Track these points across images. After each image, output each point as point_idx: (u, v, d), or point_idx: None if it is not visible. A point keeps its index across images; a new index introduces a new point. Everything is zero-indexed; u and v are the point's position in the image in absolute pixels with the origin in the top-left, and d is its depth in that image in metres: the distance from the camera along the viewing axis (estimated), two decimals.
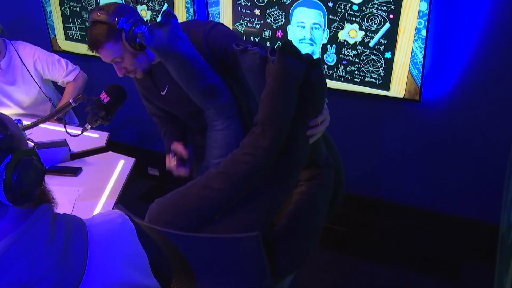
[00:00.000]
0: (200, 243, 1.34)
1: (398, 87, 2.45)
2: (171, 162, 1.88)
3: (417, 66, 2.35)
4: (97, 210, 1.76)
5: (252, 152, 1.32)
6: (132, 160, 2.10)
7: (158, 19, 1.60)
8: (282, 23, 2.58)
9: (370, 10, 2.35)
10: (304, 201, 1.48)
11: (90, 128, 1.83)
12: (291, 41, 1.44)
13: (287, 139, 1.34)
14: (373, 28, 2.39)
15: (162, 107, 1.93)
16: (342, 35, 2.49)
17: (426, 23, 2.24)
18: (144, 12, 2.99)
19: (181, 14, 2.86)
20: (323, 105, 1.41)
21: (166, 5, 2.90)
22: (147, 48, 1.65)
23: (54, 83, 2.82)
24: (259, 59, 1.39)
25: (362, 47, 2.46)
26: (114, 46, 1.64)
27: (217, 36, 1.70)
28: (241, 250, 1.33)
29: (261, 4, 2.59)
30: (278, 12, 2.56)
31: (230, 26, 2.68)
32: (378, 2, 2.31)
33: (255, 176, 1.34)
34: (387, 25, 2.34)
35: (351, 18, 2.42)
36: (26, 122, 2.12)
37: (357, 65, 2.51)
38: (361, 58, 2.48)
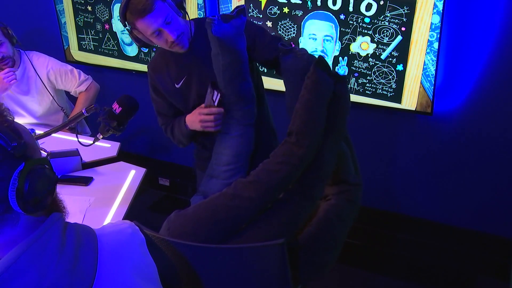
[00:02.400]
0: (221, 254, 1.33)
1: (410, 100, 2.44)
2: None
3: (429, 78, 2.34)
4: (108, 220, 1.76)
5: (286, 160, 1.35)
6: (143, 170, 2.11)
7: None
8: (294, 35, 2.59)
9: (382, 22, 2.35)
10: (332, 213, 1.49)
11: (102, 138, 1.84)
12: (324, 56, 1.56)
13: (316, 151, 1.37)
14: (385, 41, 2.38)
15: (172, 104, 1.87)
16: (353, 48, 2.49)
17: (439, 36, 2.23)
18: None
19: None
20: (347, 119, 1.48)
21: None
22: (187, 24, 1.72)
23: (67, 93, 2.85)
24: (306, 61, 1.49)
25: (374, 60, 2.45)
26: (163, 5, 1.63)
27: (249, 25, 1.75)
28: (264, 259, 1.32)
29: (273, 16, 2.60)
30: (290, 24, 2.57)
31: None
32: (390, 15, 2.31)
33: (287, 185, 1.36)
34: (399, 37, 2.33)
35: (363, 31, 2.42)
36: (39, 131, 2.14)
37: (368, 78, 2.51)
38: (373, 70, 2.48)
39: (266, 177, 1.35)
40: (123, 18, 1.66)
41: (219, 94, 1.67)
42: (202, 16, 2.85)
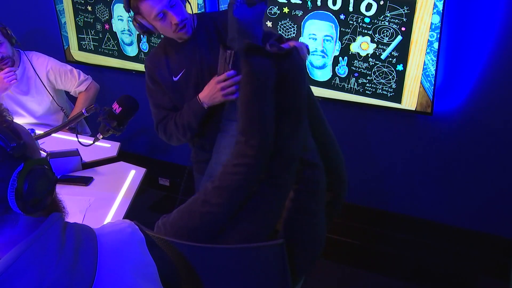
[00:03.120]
0: (220, 254, 1.33)
1: (410, 100, 2.44)
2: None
3: (429, 78, 2.34)
4: (108, 220, 1.76)
5: (241, 162, 1.32)
6: (143, 170, 2.11)
7: None
8: (294, 35, 2.59)
9: (382, 22, 2.35)
10: (293, 209, 1.44)
11: (102, 138, 1.84)
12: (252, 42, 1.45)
13: (277, 138, 1.32)
14: (385, 41, 2.38)
15: (170, 97, 1.84)
16: (353, 48, 2.49)
17: (439, 36, 2.23)
18: None
19: None
20: (305, 93, 1.37)
21: None
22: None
23: (67, 93, 2.85)
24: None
25: (374, 60, 2.45)
26: None
27: None
28: (263, 258, 1.32)
29: (273, 16, 2.60)
30: (290, 24, 2.57)
31: None
32: (390, 15, 2.31)
33: (250, 184, 1.33)
34: (399, 37, 2.33)
35: (363, 31, 2.42)
36: (39, 131, 2.14)
37: (368, 77, 2.51)
38: (373, 70, 2.48)
39: (226, 181, 1.33)
40: (127, 3, 1.66)
41: (232, 52, 1.59)
42: (203, 11, 2.85)
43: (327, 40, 2.54)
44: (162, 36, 1.81)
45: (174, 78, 1.79)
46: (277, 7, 2.57)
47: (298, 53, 1.39)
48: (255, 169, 1.32)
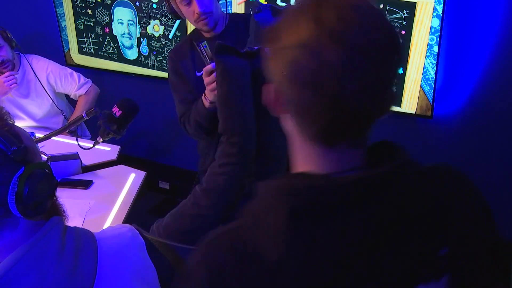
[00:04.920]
0: None
1: (409, 103, 2.44)
2: None
3: (429, 82, 2.34)
4: (108, 223, 1.76)
5: (225, 161, 1.31)
6: (143, 174, 2.11)
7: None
8: None
9: None
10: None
11: (102, 141, 1.84)
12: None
13: (260, 137, 1.32)
14: None
15: (192, 91, 1.81)
16: None
17: (438, 39, 2.24)
18: (157, 27, 3.03)
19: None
20: None
21: (178, 21, 2.93)
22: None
23: (67, 96, 2.85)
24: None
25: None
26: None
27: None
28: None
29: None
30: None
31: None
32: (390, 18, 2.32)
33: (238, 183, 1.32)
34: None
35: None
36: (39, 134, 2.14)
37: None
38: None
39: (213, 182, 1.32)
40: None
41: (202, 44, 1.55)
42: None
43: None
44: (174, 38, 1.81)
45: (197, 73, 1.79)
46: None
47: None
48: (240, 167, 1.30)
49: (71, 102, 2.91)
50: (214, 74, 1.53)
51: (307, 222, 0.58)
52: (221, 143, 1.33)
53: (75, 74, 2.71)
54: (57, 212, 0.95)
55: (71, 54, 3.46)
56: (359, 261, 0.59)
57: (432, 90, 2.35)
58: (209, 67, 1.53)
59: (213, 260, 0.64)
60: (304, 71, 0.58)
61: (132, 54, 3.24)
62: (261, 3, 1.70)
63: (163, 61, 3.09)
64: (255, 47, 1.36)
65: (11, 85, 2.44)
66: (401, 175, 0.64)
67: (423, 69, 2.33)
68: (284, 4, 2.54)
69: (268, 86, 0.65)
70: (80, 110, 2.69)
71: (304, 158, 0.67)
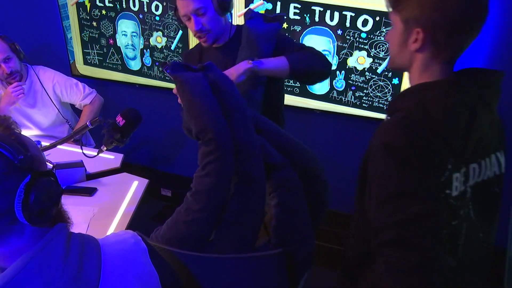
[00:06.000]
0: (221, 263, 1.32)
1: None
2: None
3: None
4: (111, 229, 1.76)
5: (206, 161, 1.30)
6: (145, 181, 2.11)
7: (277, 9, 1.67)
8: None
9: (378, 37, 2.37)
10: (282, 213, 1.43)
11: (106, 150, 1.84)
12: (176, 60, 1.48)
13: (235, 136, 1.33)
14: (381, 55, 2.40)
15: None
16: (350, 62, 2.50)
17: None
18: (160, 39, 3.05)
19: (195, 40, 2.91)
20: (240, 97, 1.41)
21: (181, 32, 2.95)
22: (228, 20, 1.76)
23: (72, 106, 2.86)
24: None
25: (370, 73, 2.47)
26: None
27: (284, 38, 1.84)
28: (263, 266, 1.31)
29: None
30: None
31: None
32: (386, 30, 2.33)
33: (223, 182, 1.32)
34: None
35: (360, 46, 2.43)
36: (45, 143, 2.14)
37: (365, 91, 2.52)
38: (369, 84, 2.49)
39: (199, 184, 1.31)
40: None
41: (168, 69, 1.63)
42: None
43: (325, 55, 2.55)
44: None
45: None
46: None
47: (216, 67, 1.43)
48: (221, 162, 1.30)
49: (76, 111, 2.92)
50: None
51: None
52: (199, 147, 1.34)
53: (80, 84, 2.72)
54: (62, 218, 0.95)
55: (76, 65, 3.47)
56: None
57: None
58: (174, 89, 1.56)
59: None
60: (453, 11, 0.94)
61: (135, 65, 3.25)
62: (252, 11, 1.73)
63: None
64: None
65: (18, 95, 2.45)
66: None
67: None
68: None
69: (412, 33, 0.99)
70: (85, 119, 2.69)
71: (430, 74, 1.03)
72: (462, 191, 1.01)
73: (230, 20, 1.85)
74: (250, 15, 1.71)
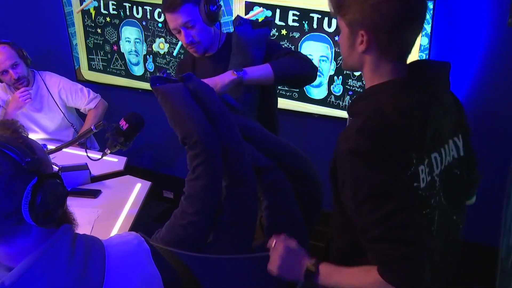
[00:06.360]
0: (221, 264, 1.32)
1: None
2: None
3: None
4: (115, 230, 1.76)
5: (195, 164, 1.31)
6: (148, 184, 2.11)
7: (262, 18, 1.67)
8: None
9: None
10: (273, 215, 1.44)
11: (110, 153, 1.85)
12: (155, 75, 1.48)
13: (221, 141, 1.34)
14: None
15: None
16: None
17: (427, 57, 2.26)
18: (162, 45, 3.06)
19: None
20: (215, 98, 1.42)
21: None
22: (217, 29, 1.76)
23: (77, 110, 2.87)
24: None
25: None
26: (192, 9, 1.67)
27: (273, 43, 1.83)
28: (262, 266, 1.32)
29: (272, 38, 2.63)
30: (288, 45, 2.60)
31: None
32: None
33: (215, 183, 1.32)
34: None
35: None
36: (50, 146, 2.15)
37: None
38: None
39: (191, 188, 1.32)
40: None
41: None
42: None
43: (323, 60, 2.56)
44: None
45: None
46: (275, 29, 2.60)
47: (195, 77, 1.44)
48: (209, 164, 1.30)
49: (81, 115, 2.92)
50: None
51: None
52: (187, 152, 1.35)
53: (85, 89, 2.73)
54: (68, 220, 0.95)
55: (81, 70, 3.48)
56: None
57: None
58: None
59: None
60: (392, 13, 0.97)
61: (138, 71, 3.26)
62: (241, 17, 1.72)
63: None
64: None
65: (25, 100, 2.46)
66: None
67: None
68: (281, 23, 2.57)
69: (358, 36, 1.01)
70: (89, 123, 2.70)
71: (381, 73, 1.05)
72: (430, 181, 1.06)
73: (219, 29, 1.85)
74: (239, 22, 1.70)
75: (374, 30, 0.99)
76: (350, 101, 2.56)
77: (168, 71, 1.70)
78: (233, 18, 1.77)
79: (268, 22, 1.73)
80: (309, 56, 2.58)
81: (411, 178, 1.01)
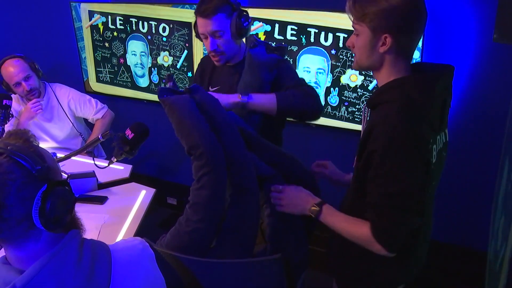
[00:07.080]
0: (223, 268, 1.32)
1: None
2: None
3: None
4: (121, 235, 1.76)
5: (201, 174, 1.31)
6: (152, 191, 2.11)
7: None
8: None
9: None
10: (275, 222, 1.43)
11: (116, 161, 1.85)
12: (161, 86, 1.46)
13: (225, 151, 1.34)
14: (371, 73, 2.41)
15: None
16: (344, 79, 2.52)
17: None
18: (167, 58, 3.07)
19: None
20: (221, 110, 1.42)
21: (186, 52, 2.97)
22: (244, 45, 1.75)
23: (85, 120, 2.87)
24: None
25: (362, 90, 2.48)
26: (224, 20, 1.65)
27: (284, 64, 1.79)
28: (264, 271, 1.31)
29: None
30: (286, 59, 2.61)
31: None
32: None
33: (218, 192, 1.32)
34: None
35: (352, 64, 2.45)
36: (60, 154, 2.15)
37: (357, 106, 2.53)
38: (361, 100, 2.50)
39: (196, 196, 1.31)
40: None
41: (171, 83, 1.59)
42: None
43: (320, 73, 2.57)
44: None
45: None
46: (274, 43, 2.61)
47: (202, 89, 1.45)
48: (214, 174, 1.30)
49: (89, 125, 2.93)
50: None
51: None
52: (192, 162, 1.35)
53: (93, 100, 2.74)
54: (76, 225, 0.95)
55: (89, 82, 3.50)
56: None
57: None
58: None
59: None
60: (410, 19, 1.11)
61: (144, 82, 3.28)
62: (257, 39, 1.71)
63: None
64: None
65: (37, 110, 2.47)
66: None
67: None
68: (280, 37, 2.58)
69: (380, 39, 1.13)
70: (97, 132, 2.70)
71: (398, 70, 1.18)
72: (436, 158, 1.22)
73: (245, 43, 1.81)
74: (254, 43, 1.68)
75: (397, 33, 1.11)
76: (346, 111, 2.56)
77: (175, 79, 1.67)
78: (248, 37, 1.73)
79: (282, 49, 1.70)
80: (307, 69, 2.62)
81: (429, 153, 1.14)
